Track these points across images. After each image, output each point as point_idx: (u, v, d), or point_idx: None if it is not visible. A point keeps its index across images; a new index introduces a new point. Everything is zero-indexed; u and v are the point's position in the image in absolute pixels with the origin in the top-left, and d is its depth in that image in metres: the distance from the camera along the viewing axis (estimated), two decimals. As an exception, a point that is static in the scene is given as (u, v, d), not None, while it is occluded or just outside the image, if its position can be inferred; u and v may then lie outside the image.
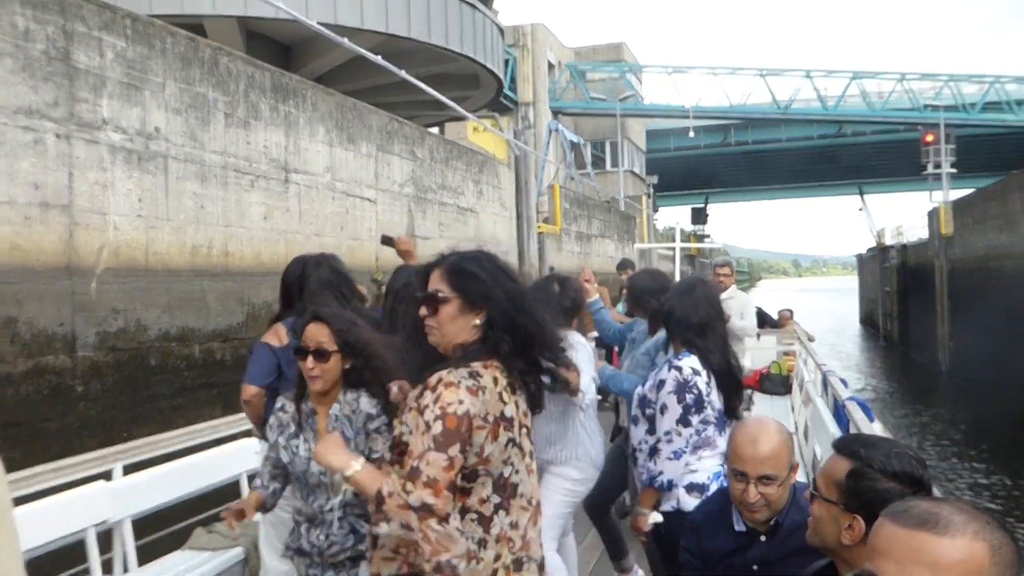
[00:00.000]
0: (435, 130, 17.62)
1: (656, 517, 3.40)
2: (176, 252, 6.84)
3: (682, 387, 3.34)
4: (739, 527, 2.63)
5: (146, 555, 4.36)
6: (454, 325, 2.23)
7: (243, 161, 7.77)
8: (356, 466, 2.24)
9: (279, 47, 15.82)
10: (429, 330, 2.26)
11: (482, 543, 2.18)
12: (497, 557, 2.21)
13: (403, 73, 10.60)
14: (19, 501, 3.57)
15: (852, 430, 4.66)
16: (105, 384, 6.08)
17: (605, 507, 4.62)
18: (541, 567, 2.38)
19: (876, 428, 4.65)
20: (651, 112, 35.65)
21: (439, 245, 11.96)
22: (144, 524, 4.46)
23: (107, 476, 4.37)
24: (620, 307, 7.00)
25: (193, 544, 4.51)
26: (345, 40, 9.98)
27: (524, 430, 2.25)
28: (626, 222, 27.42)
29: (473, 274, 2.24)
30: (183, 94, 7.06)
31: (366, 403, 2.77)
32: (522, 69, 30.33)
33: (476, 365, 2.18)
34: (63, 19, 5.93)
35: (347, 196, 9.59)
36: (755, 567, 2.57)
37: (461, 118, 18.27)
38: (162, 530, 4.66)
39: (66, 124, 5.89)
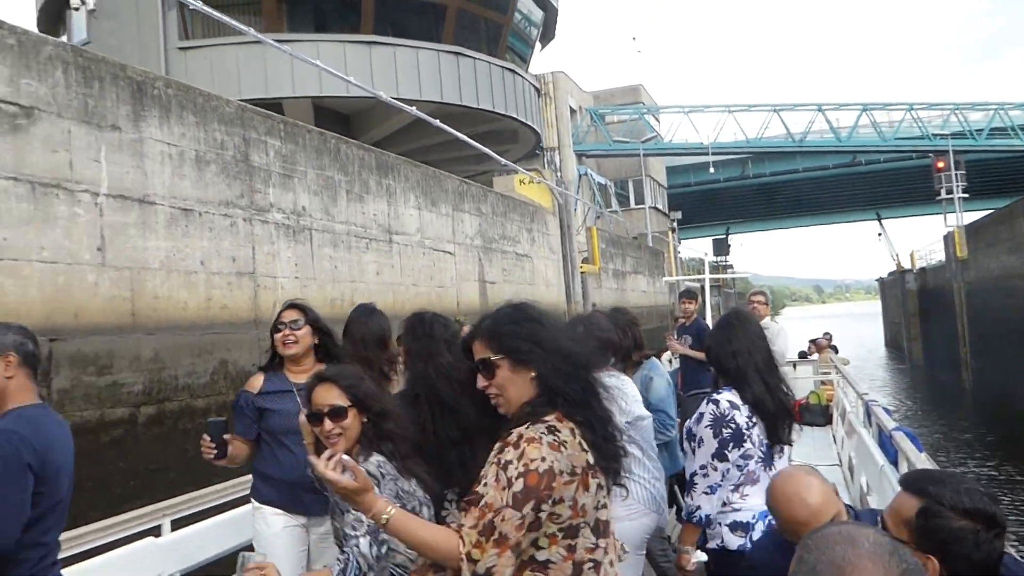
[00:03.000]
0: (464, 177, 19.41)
1: (700, 556, 3.37)
2: (321, 304, 8.53)
3: (718, 421, 3.31)
4: None
5: None
6: (514, 385, 2.26)
7: (360, 228, 9.51)
8: (390, 510, 2.20)
9: (341, 117, 17.76)
10: (495, 399, 2.29)
11: None
12: None
13: (463, 136, 12.36)
14: (74, 559, 3.73)
15: (901, 462, 4.66)
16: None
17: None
18: None
19: (923, 459, 4.50)
20: (672, 151, 37.29)
21: (504, 289, 13.61)
22: None
23: (156, 532, 4.48)
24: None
25: None
26: (414, 108, 11.80)
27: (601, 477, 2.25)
28: (655, 257, 29.06)
29: (510, 332, 2.29)
30: (318, 178, 8.83)
31: (371, 463, 2.64)
32: (546, 116, 32.12)
33: (550, 419, 2.19)
34: (243, 129, 7.72)
35: (433, 251, 11.32)
36: None
37: (506, 171, 20.10)
38: None
39: (248, 210, 7.65)
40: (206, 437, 3.52)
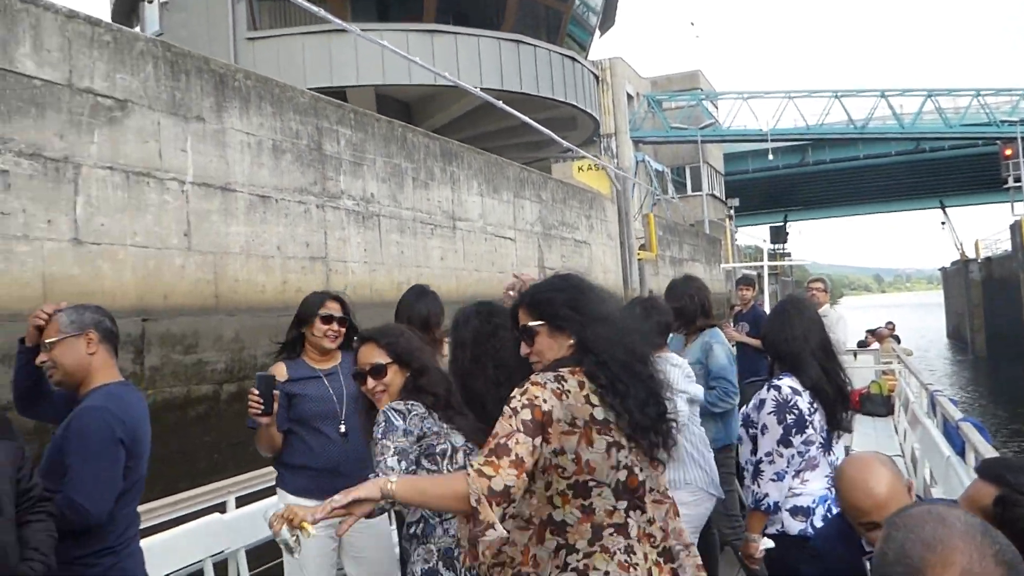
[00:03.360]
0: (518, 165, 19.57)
1: (767, 543, 3.36)
2: (388, 288, 8.81)
3: (782, 407, 3.31)
4: (870, 548, 2.50)
5: None
6: (552, 351, 2.32)
7: (425, 214, 9.77)
8: (392, 478, 2.16)
9: (402, 105, 18.05)
10: (535, 365, 2.35)
11: (628, 550, 2.22)
12: (645, 557, 2.25)
13: (529, 120, 12.52)
14: (145, 532, 3.70)
15: (968, 452, 4.59)
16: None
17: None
18: (692, 557, 2.43)
19: (991, 451, 4.35)
20: (730, 137, 36.99)
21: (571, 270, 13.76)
22: (257, 553, 4.61)
23: (221, 509, 4.58)
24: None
25: None
26: (479, 91, 12.02)
27: (633, 444, 2.24)
28: (712, 245, 28.93)
29: (549, 299, 2.34)
30: (386, 165, 9.09)
31: (390, 405, 2.73)
32: (603, 102, 32.10)
33: (563, 371, 2.24)
34: (316, 119, 8.00)
35: (494, 237, 11.54)
36: None
37: (565, 158, 20.22)
38: (274, 560, 4.77)
39: (321, 197, 7.94)
40: (253, 391, 3.42)
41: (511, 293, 3.50)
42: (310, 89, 9.58)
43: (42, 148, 5.28)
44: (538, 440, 2.11)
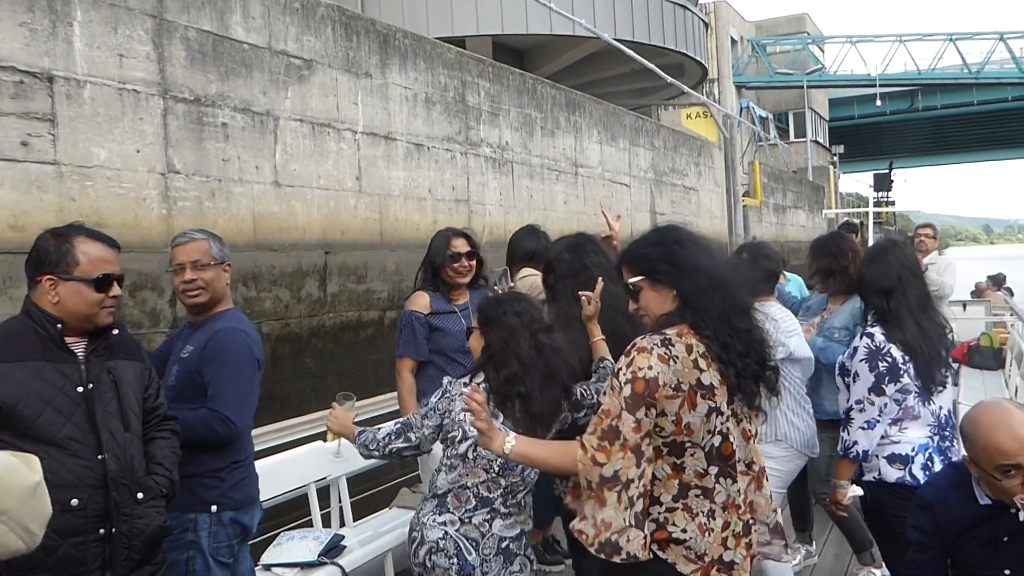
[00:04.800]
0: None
1: (856, 491, 3.38)
2: (518, 228, 9.57)
3: (874, 355, 3.26)
4: (984, 501, 2.48)
5: (359, 511, 4.64)
6: (656, 304, 2.35)
7: (551, 161, 10.46)
8: (511, 439, 2.34)
9: (516, 53, 18.61)
10: (643, 320, 2.43)
11: (710, 514, 2.25)
12: (726, 525, 2.27)
13: (654, 67, 13.02)
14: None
15: None
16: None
17: (799, 481, 4.45)
18: (774, 530, 2.45)
19: None
20: (837, 82, 36.25)
21: (673, 221, 14.33)
22: (357, 481, 4.75)
23: (324, 437, 5.19)
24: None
25: (400, 503, 4.73)
26: (604, 34, 12.59)
27: (738, 395, 2.27)
28: (815, 192, 28.79)
29: (645, 255, 2.38)
30: (519, 115, 9.80)
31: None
32: (707, 47, 31.87)
33: (671, 332, 2.25)
34: (460, 73, 8.74)
35: (611, 183, 12.16)
36: (1005, 538, 2.45)
37: (673, 105, 20.55)
38: (373, 488, 4.95)
39: (464, 145, 8.71)
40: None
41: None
42: (437, 38, 10.30)
43: (250, 104, 6.17)
44: (640, 412, 2.15)
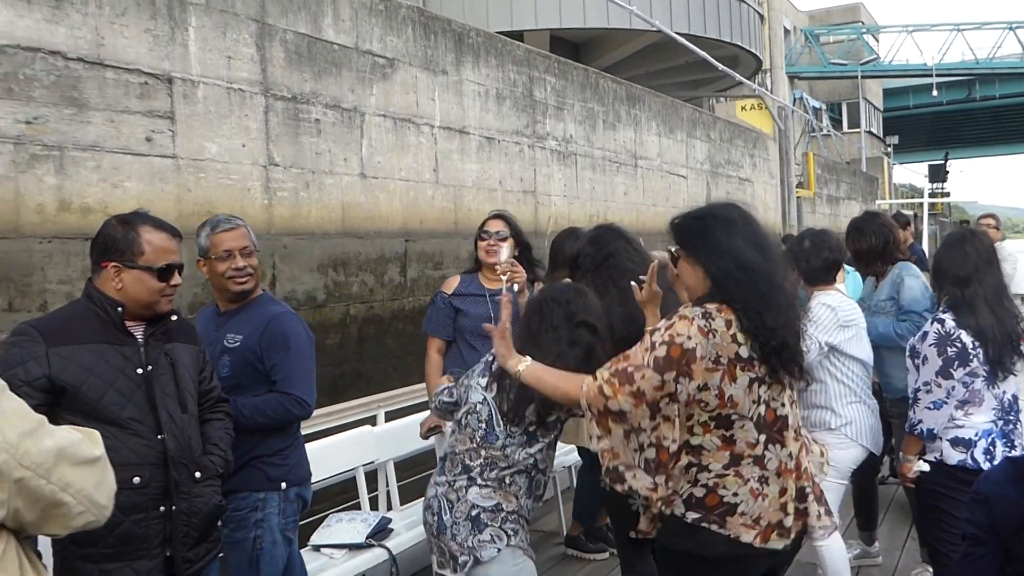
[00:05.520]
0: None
1: (922, 466, 3.40)
2: (582, 219, 9.92)
3: (943, 340, 3.32)
4: None
5: (405, 495, 4.72)
6: (688, 276, 2.41)
7: (612, 153, 10.78)
8: (527, 361, 2.48)
9: (572, 46, 18.90)
10: (677, 287, 2.53)
11: (763, 480, 2.29)
12: (783, 491, 2.32)
13: (712, 60, 13.24)
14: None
15: None
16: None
17: (864, 472, 4.34)
18: (819, 498, 2.45)
19: None
20: (892, 73, 35.85)
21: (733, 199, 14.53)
22: (404, 466, 4.85)
23: (372, 421, 4.87)
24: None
25: None
26: (663, 26, 12.82)
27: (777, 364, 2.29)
28: (869, 183, 28.66)
29: (683, 226, 2.43)
30: (582, 109, 10.13)
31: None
32: (761, 38, 31.72)
33: (711, 307, 2.28)
34: (528, 69, 9.10)
35: (669, 174, 12.44)
36: None
37: (726, 98, 20.69)
38: (419, 473, 5.03)
39: (531, 138, 9.08)
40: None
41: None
42: (498, 32, 10.68)
43: (340, 100, 6.60)
44: (669, 375, 2.19)
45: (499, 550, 2.68)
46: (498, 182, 8.46)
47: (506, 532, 2.72)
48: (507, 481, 2.75)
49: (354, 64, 6.76)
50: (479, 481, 2.74)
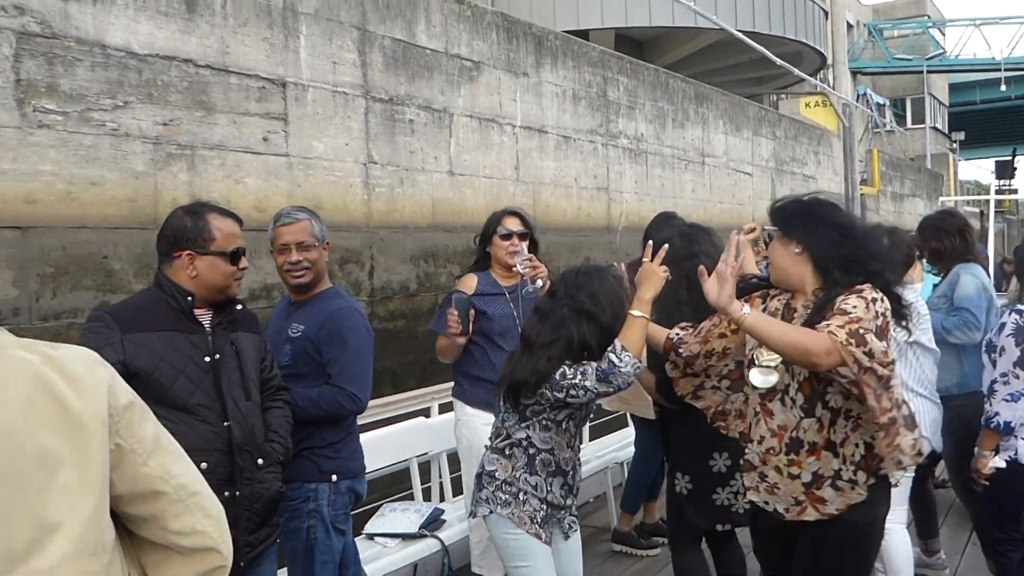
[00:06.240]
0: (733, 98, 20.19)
1: (998, 462, 3.35)
2: (651, 215, 10.18)
3: (1021, 330, 3.33)
4: None
5: (457, 487, 4.62)
6: (777, 255, 2.50)
7: (680, 151, 11.06)
8: (747, 309, 2.40)
9: (636, 44, 19.14)
10: (771, 271, 2.60)
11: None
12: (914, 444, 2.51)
13: (777, 59, 13.38)
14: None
15: None
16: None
17: (921, 476, 4.23)
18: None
19: None
20: (959, 67, 35.26)
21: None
22: (457, 458, 4.68)
23: (426, 413, 4.86)
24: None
25: None
26: (725, 24, 13.02)
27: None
28: (934, 180, 28.33)
29: (782, 207, 2.53)
30: (652, 108, 10.43)
31: None
32: (826, 34, 31.44)
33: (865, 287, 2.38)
34: (602, 70, 9.43)
35: (735, 171, 12.66)
36: None
37: (788, 95, 20.72)
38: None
39: (604, 137, 9.41)
40: (452, 311, 3.52)
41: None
42: (564, 31, 11.02)
43: (431, 102, 7.02)
44: (885, 344, 2.30)
45: (490, 512, 2.84)
46: (573, 179, 8.81)
47: (496, 499, 2.83)
48: (507, 452, 2.86)
49: (444, 67, 7.16)
50: (491, 446, 2.92)
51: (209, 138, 5.30)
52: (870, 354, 2.23)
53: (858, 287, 2.36)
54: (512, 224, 3.82)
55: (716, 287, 2.40)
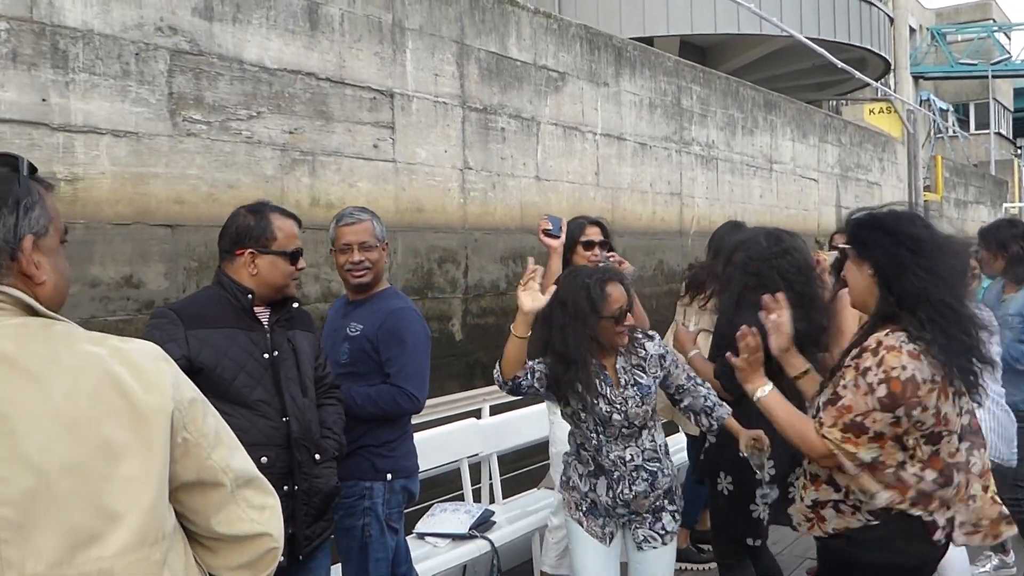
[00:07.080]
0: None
1: None
2: (721, 220, 10.47)
3: None
4: None
5: (507, 489, 4.70)
6: (852, 274, 2.34)
7: (749, 157, 11.32)
8: (767, 389, 2.37)
9: (699, 50, 19.36)
10: (849, 293, 2.44)
11: (967, 484, 2.30)
12: (985, 489, 2.36)
13: (847, 67, 13.57)
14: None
15: None
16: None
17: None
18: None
19: None
20: (1024, 72, 34.74)
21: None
22: (506, 460, 4.86)
23: (477, 415, 4.89)
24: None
25: (547, 484, 4.64)
26: (795, 32, 13.24)
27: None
28: (998, 187, 28.02)
29: (857, 222, 2.36)
30: (723, 116, 10.72)
31: (652, 346, 3.01)
32: (890, 41, 31.20)
33: (911, 329, 2.18)
34: (677, 79, 9.75)
35: (801, 178, 12.87)
36: None
37: (852, 101, 20.76)
38: (521, 468, 5.09)
39: (678, 144, 9.73)
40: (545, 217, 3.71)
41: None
42: (630, 38, 11.32)
43: (520, 111, 7.42)
44: (901, 411, 2.14)
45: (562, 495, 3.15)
46: (649, 185, 9.15)
47: (562, 482, 3.15)
48: (569, 440, 3.11)
49: (532, 78, 7.56)
50: None
51: (327, 145, 5.76)
52: (877, 437, 2.18)
53: (888, 340, 2.21)
54: (594, 234, 3.95)
55: (746, 367, 2.47)
